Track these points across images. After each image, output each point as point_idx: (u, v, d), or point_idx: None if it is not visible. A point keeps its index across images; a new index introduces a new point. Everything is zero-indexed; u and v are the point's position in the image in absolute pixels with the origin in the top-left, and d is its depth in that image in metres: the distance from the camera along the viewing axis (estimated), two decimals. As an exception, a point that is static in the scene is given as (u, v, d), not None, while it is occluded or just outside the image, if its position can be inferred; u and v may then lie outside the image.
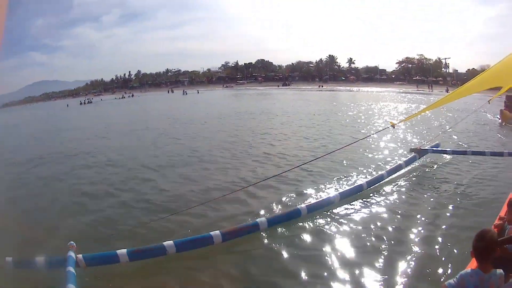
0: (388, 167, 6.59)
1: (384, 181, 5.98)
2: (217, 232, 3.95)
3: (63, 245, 3.52)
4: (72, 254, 3.37)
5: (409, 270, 3.41)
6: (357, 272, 3.42)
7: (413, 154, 7.09)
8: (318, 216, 4.73)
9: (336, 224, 4.53)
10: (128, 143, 12.11)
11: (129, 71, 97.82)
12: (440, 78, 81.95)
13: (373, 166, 7.13)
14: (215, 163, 8.27)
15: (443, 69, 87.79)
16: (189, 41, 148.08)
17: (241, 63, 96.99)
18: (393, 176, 6.24)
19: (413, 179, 6.30)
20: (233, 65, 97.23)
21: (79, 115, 30.69)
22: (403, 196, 5.46)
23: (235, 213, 5.02)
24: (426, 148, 7.44)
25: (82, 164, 8.96)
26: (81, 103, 51.49)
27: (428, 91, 54.55)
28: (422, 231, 4.23)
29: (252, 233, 4.18)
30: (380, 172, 6.21)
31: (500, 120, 14.21)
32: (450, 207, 4.91)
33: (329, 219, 4.66)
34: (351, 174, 6.66)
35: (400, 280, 3.27)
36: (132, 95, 59.74)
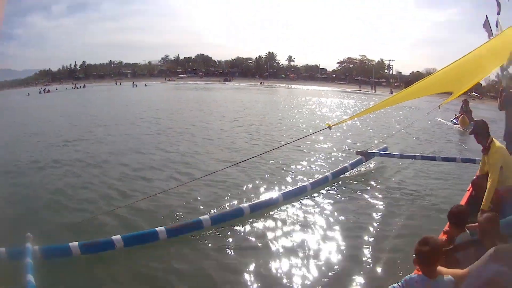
0: (333, 169, 6.74)
1: (328, 182, 6.17)
2: (162, 228, 4.09)
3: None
4: (29, 245, 3.48)
5: (351, 273, 3.55)
6: (296, 273, 3.57)
7: (359, 157, 7.22)
8: (261, 216, 4.85)
9: (278, 224, 4.67)
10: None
11: (75, 62, 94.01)
12: (383, 80, 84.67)
13: (318, 168, 7.37)
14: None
15: (385, 71, 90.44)
16: (131, 33, 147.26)
17: (181, 57, 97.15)
18: (338, 178, 6.46)
19: (358, 182, 6.50)
20: (173, 58, 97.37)
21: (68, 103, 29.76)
22: (347, 199, 5.62)
23: (176, 209, 5.11)
24: (373, 151, 7.51)
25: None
26: (40, 92, 49.86)
27: (371, 91, 56.49)
28: (365, 234, 4.39)
29: (196, 230, 4.32)
30: (325, 174, 6.39)
31: (456, 125, 14.60)
32: (396, 212, 5.08)
33: (271, 219, 4.80)
34: (294, 174, 6.88)
35: (341, 283, 3.41)
36: (84, 86, 58.73)
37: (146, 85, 55.93)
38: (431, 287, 2.11)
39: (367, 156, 7.53)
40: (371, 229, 4.58)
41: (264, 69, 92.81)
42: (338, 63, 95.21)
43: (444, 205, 5.03)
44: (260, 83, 71.94)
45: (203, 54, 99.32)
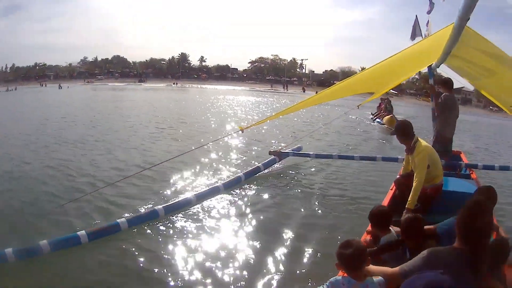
0: (246, 169, 6.64)
1: (241, 183, 6.06)
2: (83, 232, 3.90)
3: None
4: None
5: (270, 274, 3.42)
6: (212, 273, 3.43)
7: (272, 156, 7.11)
8: (176, 217, 4.70)
9: (193, 224, 4.54)
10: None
11: (6, 64, 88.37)
12: (294, 78, 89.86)
13: (232, 169, 7.24)
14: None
15: (298, 70, 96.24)
16: (54, 35, 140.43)
17: (100, 58, 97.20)
18: (252, 178, 6.36)
19: (272, 182, 6.40)
20: (92, 60, 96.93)
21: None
22: (261, 199, 5.56)
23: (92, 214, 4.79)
24: (286, 151, 7.42)
25: None
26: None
27: (283, 90, 59.18)
28: (282, 234, 4.30)
29: (115, 233, 4.15)
30: (237, 174, 6.28)
31: (382, 125, 15.02)
32: (312, 212, 5.03)
33: (186, 220, 4.65)
34: (208, 175, 6.71)
35: (260, 284, 3.27)
36: (16, 88, 55.00)
37: (68, 87, 54.87)
38: None
39: (280, 156, 7.40)
40: (287, 230, 4.45)
41: (176, 70, 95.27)
42: (249, 63, 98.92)
43: (365, 205, 5.06)
44: (174, 83, 72.81)
45: (119, 56, 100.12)
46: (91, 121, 14.21)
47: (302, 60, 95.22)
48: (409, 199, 3.67)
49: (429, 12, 5.83)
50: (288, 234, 4.30)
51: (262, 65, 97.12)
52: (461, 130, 14.26)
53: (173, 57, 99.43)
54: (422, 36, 6.26)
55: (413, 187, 3.71)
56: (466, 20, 3.06)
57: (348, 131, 14.14)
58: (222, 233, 4.35)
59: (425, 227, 2.73)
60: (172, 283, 3.28)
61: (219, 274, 3.43)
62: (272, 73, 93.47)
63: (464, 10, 2.86)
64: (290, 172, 7.15)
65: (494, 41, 4.32)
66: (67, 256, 3.66)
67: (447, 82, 5.88)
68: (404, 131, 4.05)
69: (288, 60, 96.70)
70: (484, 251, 1.79)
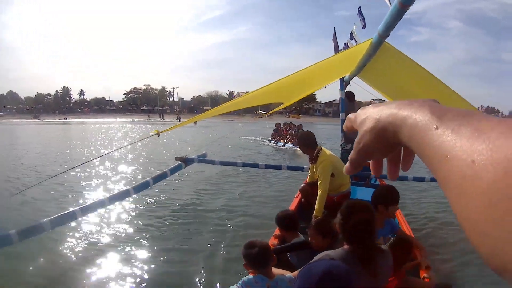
0: (154, 174, 6.53)
1: (150, 187, 5.91)
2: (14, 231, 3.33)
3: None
4: None
5: (181, 275, 3.31)
6: (121, 276, 3.29)
7: (178, 162, 7.30)
8: (91, 218, 4.66)
9: (104, 225, 4.53)
10: None
11: None
12: (167, 107, 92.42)
13: (140, 174, 7.37)
14: None
15: (167, 98, 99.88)
16: None
17: None
18: (159, 183, 6.23)
19: (177, 186, 6.64)
20: None
21: None
22: (169, 203, 5.66)
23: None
24: (192, 157, 7.60)
25: None
26: None
27: (160, 120, 59.22)
28: (189, 239, 4.22)
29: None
30: (146, 179, 6.15)
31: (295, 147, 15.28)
32: (216, 218, 4.99)
33: (99, 220, 4.67)
34: (117, 180, 6.73)
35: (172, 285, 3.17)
36: None
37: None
38: (271, 286, 2.02)
39: (186, 162, 7.37)
40: (193, 235, 4.37)
41: (62, 104, 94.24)
42: (124, 94, 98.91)
43: (272, 209, 5.05)
44: (64, 118, 67.80)
45: (12, 91, 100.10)
46: None
47: (173, 88, 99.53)
48: (316, 208, 3.66)
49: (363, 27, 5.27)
50: (193, 239, 4.26)
51: (135, 96, 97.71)
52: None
53: (57, 91, 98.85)
54: (340, 49, 6.30)
55: (318, 196, 3.71)
56: (385, 37, 2.91)
57: (249, 146, 14.84)
58: (129, 238, 4.24)
59: None
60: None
61: (125, 275, 3.29)
62: (145, 103, 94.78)
63: (385, 28, 2.69)
64: (196, 177, 7.35)
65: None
66: None
67: (348, 95, 6.21)
68: (305, 141, 4.06)
69: (159, 89, 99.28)
70: (370, 249, 1.82)
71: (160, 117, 66.93)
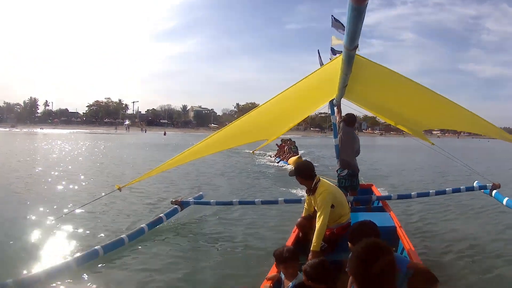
0: (148, 221, 6.20)
1: (145, 234, 5.66)
2: None
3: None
4: None
5: None
6: None
7: (174, 206, 6.76)
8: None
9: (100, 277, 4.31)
10: None
11: None
12: (126, 120, 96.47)
13: (135, 220, 6.81)
14: None
15: (125, 111, 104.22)
16: None
17: None
18: (155, 229, 5.98)
19: (176, 232, 6.19)
20: None
21: None
22: (166, 250, 5.33)
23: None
24: (188, 200, 7.11)
25: None
26: None
27: (126, 132, 61.87)
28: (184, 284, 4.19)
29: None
30: (140, 226, 5.81)
31: (288, 165, 15.46)
32: (213, 262, 4.88)
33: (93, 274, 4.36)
34: (110, 231, 6.18)
35: None
36: None
37: None
38: None
39: (182, 205, 7.11)
40: (191, 284, 4.29)
41: (30, 114, 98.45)
42: (87, 106, 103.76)
43: (270, 247, 4.75)
44: (41, 128, 72.32)
45: None
46: None
47: (133, 102, 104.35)
48: (313, 242, 3.51)
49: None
50: (195, 282, 4.23)
51: (97, 108, 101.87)
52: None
53: (24, 101, 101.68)
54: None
55: (316, 229, 3.54)
56: (353, 49, 2.67)
57: (250, 175, 14.05)
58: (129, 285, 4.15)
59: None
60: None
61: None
62: (107, 116, 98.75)
63: (349, 39, 2.45)
64: (193, 221, 6.96)
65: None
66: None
67: (347, 120, 5.91)
68: (303, 172, 3.88)
69: (117, 102, 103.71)
70: None
71: (126, 129, 69.74)
